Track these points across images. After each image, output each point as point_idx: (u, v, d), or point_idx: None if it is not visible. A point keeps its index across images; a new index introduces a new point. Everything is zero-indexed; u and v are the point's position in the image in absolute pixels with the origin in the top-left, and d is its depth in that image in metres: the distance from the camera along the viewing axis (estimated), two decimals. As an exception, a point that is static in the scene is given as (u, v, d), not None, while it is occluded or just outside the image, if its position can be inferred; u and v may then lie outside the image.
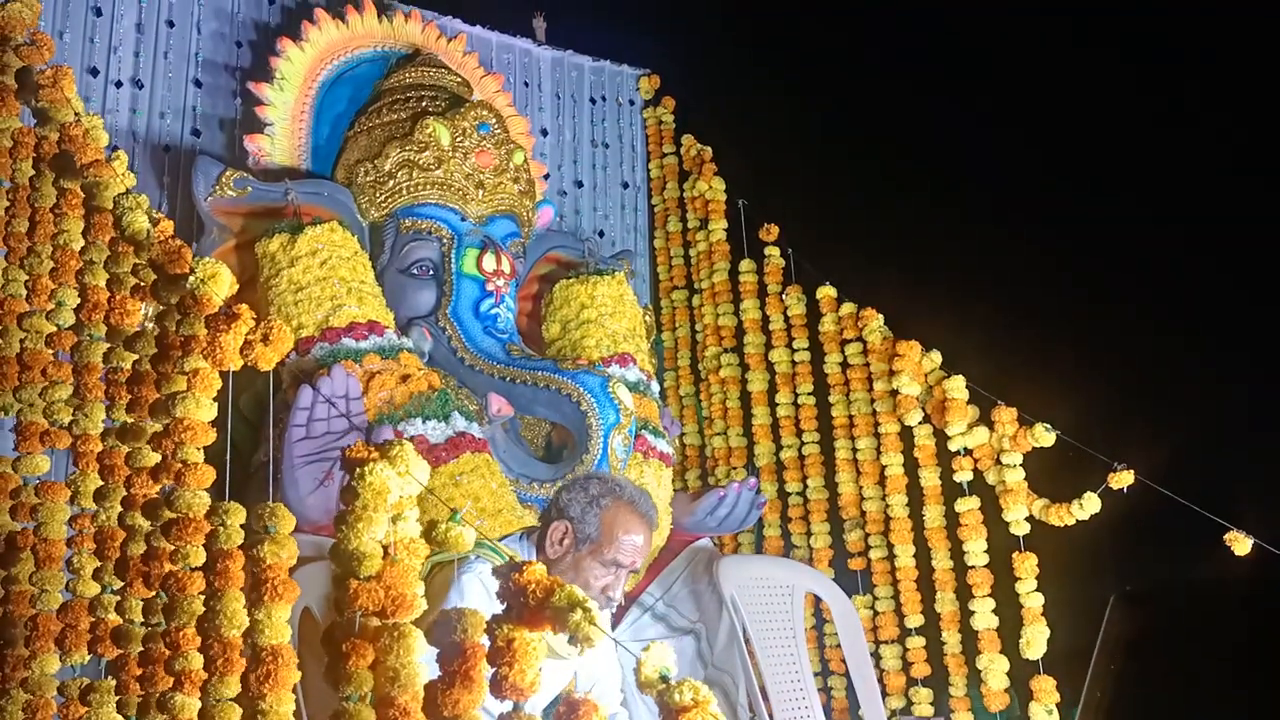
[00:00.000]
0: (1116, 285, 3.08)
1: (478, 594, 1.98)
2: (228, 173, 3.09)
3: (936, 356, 3.33)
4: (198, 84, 3.54)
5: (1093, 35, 3.30)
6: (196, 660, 1.65)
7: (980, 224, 3.42)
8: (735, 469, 3.99)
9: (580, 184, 4.52)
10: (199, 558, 1.71)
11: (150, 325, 1.92)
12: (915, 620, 3.37)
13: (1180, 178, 3.00)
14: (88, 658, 1.97)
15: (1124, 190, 3.14)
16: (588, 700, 1.11)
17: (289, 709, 1.41)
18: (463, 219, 3.29)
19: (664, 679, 1.06)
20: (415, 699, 1.26)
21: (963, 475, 3.18)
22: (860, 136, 3.92)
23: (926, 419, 3.34)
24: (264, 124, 3.43)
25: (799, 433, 3.82)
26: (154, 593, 1.77)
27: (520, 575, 1.17)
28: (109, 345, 2.03)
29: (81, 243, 2.17)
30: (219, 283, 1.81)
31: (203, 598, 1.68)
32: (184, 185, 3.31)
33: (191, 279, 1.81)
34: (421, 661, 1.30)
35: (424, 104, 3.43)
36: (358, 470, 1.35)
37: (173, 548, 1.72)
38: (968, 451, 3.18)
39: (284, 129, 3.45)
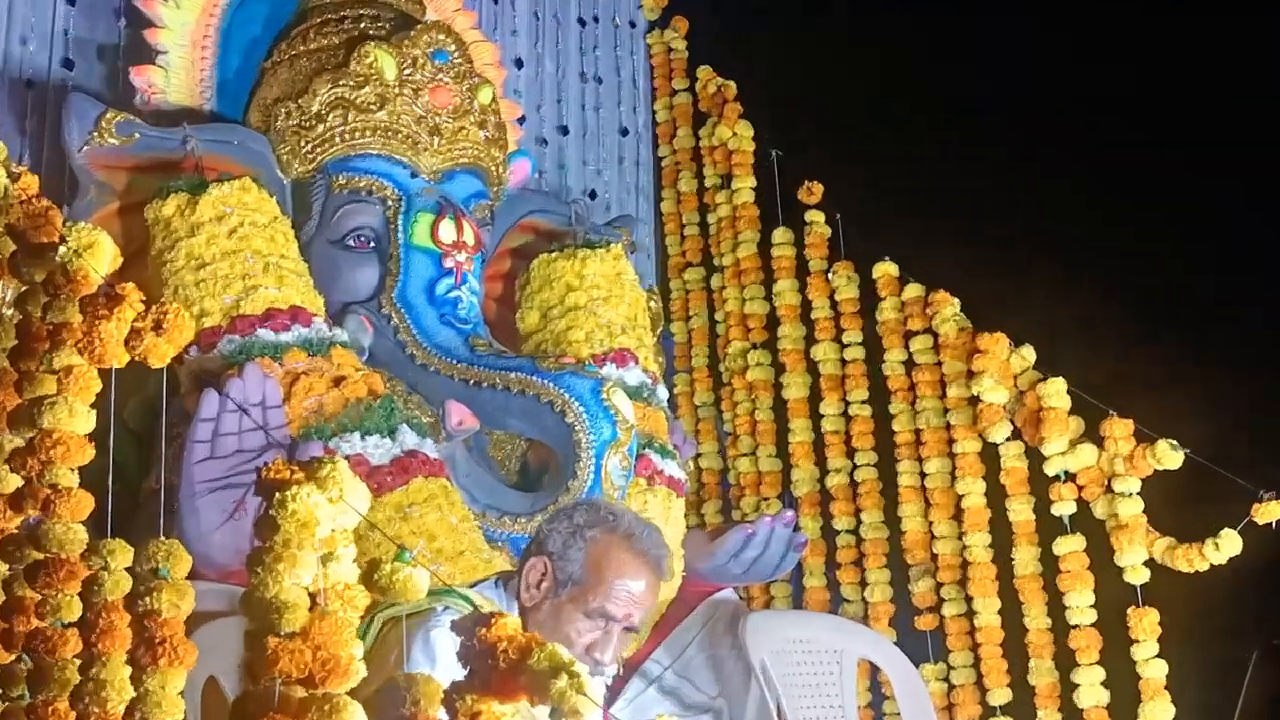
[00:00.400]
0: (1261, 267, 3.07)
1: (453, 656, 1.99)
2: (109, 115, 3.10)
3: (1029, 353, 3.33)
4: (70, 1, 3.54)
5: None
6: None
7: (1085, 189, 3.43)
8: (767, 500, 4.01)
9: (566, 130, 4.53)
10: (73, 611, 1.71)
11: (8, 310, 1.93)
12: (1001, 695, 3.38)
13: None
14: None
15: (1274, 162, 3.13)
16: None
17: None
18: (413, 175, 3.30)
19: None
20: (352, 790, 1.26)
21: (1063, 507, 3.19)
22: (928, 70, 3.91)
23: (1016, 434, 3.35)
24: (155, 52, 3.43)
25: (850, 453, 3.84)
26: (13, 657, 1.77)
27: (488, 630, 1.17)
28: (-44, 337, 2.04)
29: (-80, 205, 2.18)
30: (97, 255, 1.83)
31: (78, 663, 1.69)
32: (52, 130, 3.31)
33: (62, 250, 1.82)
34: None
35: (363, 26, 3.44)
36: (277, 496, 1.36)
37: (39, 598, 1.73)
38: (1070, 476, 3.19)
39: (181, 59, 3.46)
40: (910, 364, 3.68)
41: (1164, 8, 3.40)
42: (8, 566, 1.82)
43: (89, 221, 3.09)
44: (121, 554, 1.70)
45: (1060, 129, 3.51)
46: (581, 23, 4.64)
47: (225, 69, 3.52)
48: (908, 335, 3.68)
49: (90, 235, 1.83)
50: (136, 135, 3.12)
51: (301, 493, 1.37)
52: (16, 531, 1.82)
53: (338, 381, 2.86)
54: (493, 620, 1.18)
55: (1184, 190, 3.23)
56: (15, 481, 1.84)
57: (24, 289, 1.88)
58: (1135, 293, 3.22)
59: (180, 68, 3.45)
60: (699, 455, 4.23)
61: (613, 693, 2.97)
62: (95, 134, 3.09)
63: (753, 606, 3.88)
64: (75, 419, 1.77)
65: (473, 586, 2.33)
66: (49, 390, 1.79)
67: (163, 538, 1.61)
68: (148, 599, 1.53)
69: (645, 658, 3.10)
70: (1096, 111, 3.44)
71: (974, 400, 3.40)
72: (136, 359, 1.67)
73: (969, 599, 3.46)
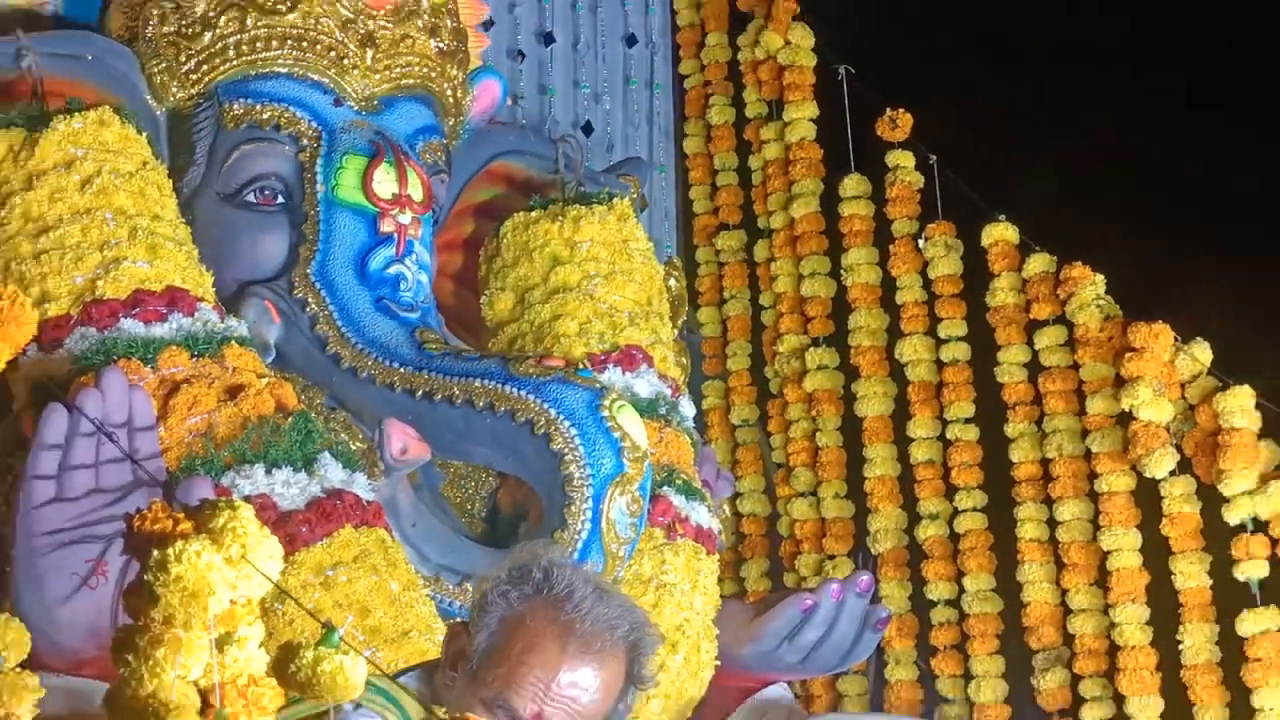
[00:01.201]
0: None
1: None
2: (-83, 20, 3.13)
3: (1204, 352, 3.35)
4: None
5: None
6: None
7: (1267, 133, 3.44)
8: (833, 558, 4.02)
9: (551, 38, 4.55)
10: None
11: None
12: (1166, 836, 3.40)
13: None
14: None
15: None
16: None
17: None
18: (336, 103, 3.33)
19: None
20: None
21: (1252, 569, 3.21)
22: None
23: (1185, 466, 3.36)
24: (-16, -65, 3.47)
25: (950, 492, 3.86)
26: None
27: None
28: None
29: None
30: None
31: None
32: None
33: None
34: None
35: (265, -104, 3.46)
36: (155, 556, 1.37)
37: None
38: (1260, 525, 3.20)
39: (16, -60, 3.49)
40: (1036, 366, 3.71)
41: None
42: None
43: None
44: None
45: (1223, 48, 3.52)
46: (571, -115, 4.67)
47: (77, -44, 3.56)
48: (1031, 326, 3.71)
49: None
50: (-50, 46, 3.16)
51: (189, 550, 1.39)
52: None
53: (233, 392, 2.86)
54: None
55: None
56: None
57: None
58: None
59: (15, -47, 3.49)
60: (738, 496, 4.25)
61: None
62: (-100, 44, 3.13)
63: (813, 709, 3.89)
64: None
65: (405, 674, 2.35)
66: None
67: (-6, 613, 1.63)
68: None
69: (663, 776, 3.12)
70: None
71: (1125, 418, 3.41)
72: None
73: (1119, 698, 3.48)
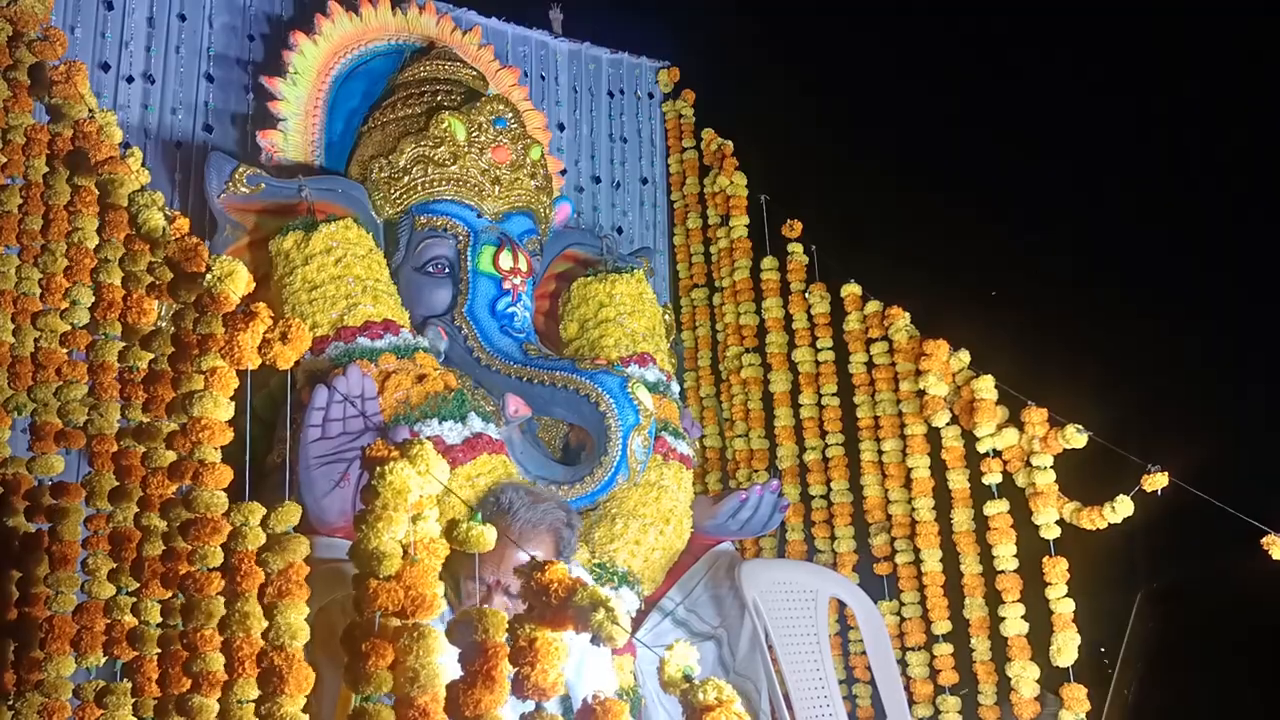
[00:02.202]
0: (1151, 283, 3.09)
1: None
2: (241, 169, 3.13)
3: (965, 356, 3.33)
4: (209, 79, 3.58)
5: (1126, 34, 3.32)
6: (215, 662, 1.68)
7: (1009, 221, 3.44)
8: (757, 472, 4.01)
9: (598, 179, 4.55)
10: (217, 558, 1.74)
11: (165, 324, 1.96)
12: (943, 627, 3.38)
13: (1214, 177, 3.01)
14: (103, 660, 2.01)
15: (1157, 188, 3.15)
16: (610, 703, 1.13)
17: (297, 711, 1.44)
18: (479, 216, 3.32)
19: (687, 678, 1.08)
20: (435, 700, 1.28)
21: (992, 478, 3.19)
22: (884, 132, 3.94)
23: (954, 420, 3.35)
24: (277, 119, 3.47)
25: (823, 434, 3.84)
26: (171, 594, 1.80)
27: (542, 575, 1.19)
28: (124, 344, 2.07)
29: (96, 240, 2.22)
30: (235, 281, 1.85)
31: (221, 599, 1.72)
32: (196, 182, 3.35)
33: (208, 277, 1.84)
34: (442, 662, 1.33)
35: (439, 98, 3.46)
36: (378, 470, 1.38)
37: (190, 548, 1.76)
38: (997, 454, 3.19)
39: (297, 124, 3.49)
40: (870, 365, 3.67)
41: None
42: (166, 524, 1.85)
43: (226, 254, 3.19)
44: (255, 513, 1.73)
45: (987, 172, 3.52)
46: (610, 95, 4.65)
47: (331, 132, 3.55)
48: (869, 342, 3.68)
49: (230, 265, 1.86)
50: (262, 185, 3.15)
51: (397, 467, 1.40)
52: (173, 497, 1.85)
53: (420, 378, 2.88)
54: (546, 567, 1.20)
55: (1099, 212, 3.25)
56: (171, 457, 1.87)
57: (178, 308, 1.91)
58: (1053, 306, 3.23)
59: (296, 131, 3.48)
60: (704, 436, 4.24)
61: (635, 623, 2.98)
62: (230, 184, 3.12)
63: (746, 556, 3.89)
64: (218, 409, 1.81)
65: None
66: (198, 386, 1.82)
67: (280, 501, 1.64)
68: (268, 551, 1.55)
69: (661, 596, 3.11)
70: (1015, 151, 3.45)
71: (921, 393, 3.40)
72: (267, 362, 1.70)
73: (916, 550, 3.47)
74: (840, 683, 3.51)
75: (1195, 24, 3.14)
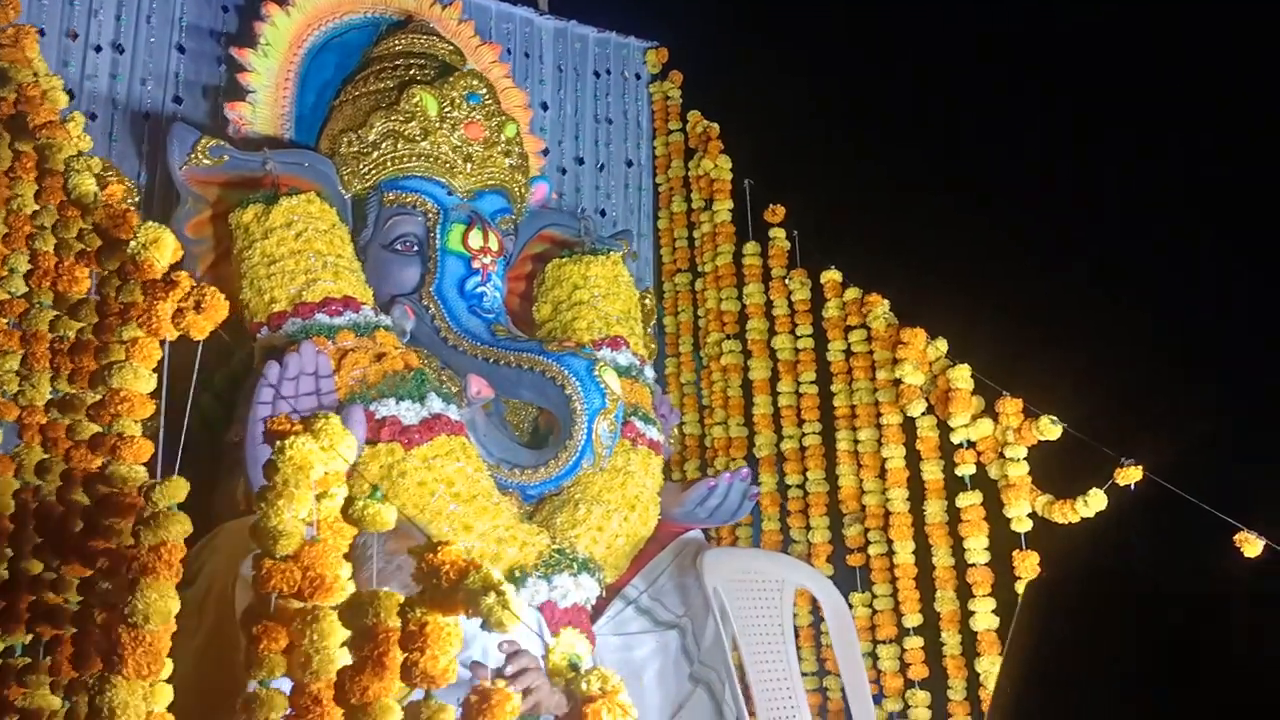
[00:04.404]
0: (1129, 276, 3.01)
1: None
2: (203, 140, 3.06)
3: (942, 345, 3.26)
4: (181, 49, 3.51)
5: (1113, 20, 3.23)
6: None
7: (991, 211, 3.36)
8: (735, 460, 3.94)
9: (581, 161, 4.47)
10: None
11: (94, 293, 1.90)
12: (914, 619, 3.31)
13: (1197, 165, 2.93)
14: (28, 638, 1.95)
15: (1140, 178, 3.07)
16: (500, 691, 1.07)
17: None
18: (449, 193, 3.24)
19: (574, 667, 1.01)
20: (329, 686, 1.22)
21: (965, 469, 3.12)
22: (871, 118, 3.86)
23: (930, 410, 3.28)
24: (246, 91, 3.40)
25: (800, 423, 3.76)
26: (90, 572, 1.74)
27: (434, 556, 1.13)
28: (56, 314, 2.01)
29: (35, 208, 2.15)
30: (161, 248, 1.77)
31: (132, 579, 1.65)
32: (164, 154, 3.28)
33: (132, 244, 1.77)
34: (339, 647, 1.27)
35: (412, 72, 3.38)
36: (278, 444, 1.31)
37: (108, 525, 1.70)
38: (971, 444, 3.12)
39: (267, 96, 3.42)
40: (849, 352, 3.60)
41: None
42: (88, 500, 1.79)
43: (188, 227, 3.13)
44: (173, 490, 1.67)
45: (972, 160, 3.44)
46: (596, 75, 4.57)
47: (302, 105, 3.47)
48: (847, 329, 3.60)
49: (155, 232, 1.77)
50: (225, 157, 3.08)
51: (299, 442, 1.33)
52: (95, 470, 1.79)
53: (379, 357, 2.80)
54: (438, 546, 1.14)
55: (1080, 202, 3.18)
56: (94, 429, 1.81)
57: (103, 275, 1.85)
58: (1032, 297, 3.15)
59: (265, 103, 3.41)
60: (683, 424, 4.17)
61: (597, 611, 2.92)
62: (192, 155, 3.05)
63: (722, 544, 3.83)
64: (138, 380, 1.74)
65: None
66: (118, 357, 1.75)
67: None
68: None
69: (625, 584, 3.04)
70: (1000, 140, 3.37)
71: (897, 382, 3.33)
72: (181, 331, 1.63)
73: (889, 541, 3.39)
74: (811, 675, 3.46)
75: (1189, 10, 3.06)
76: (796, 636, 3.29)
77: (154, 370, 1.78)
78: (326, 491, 1.38)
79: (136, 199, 3.09)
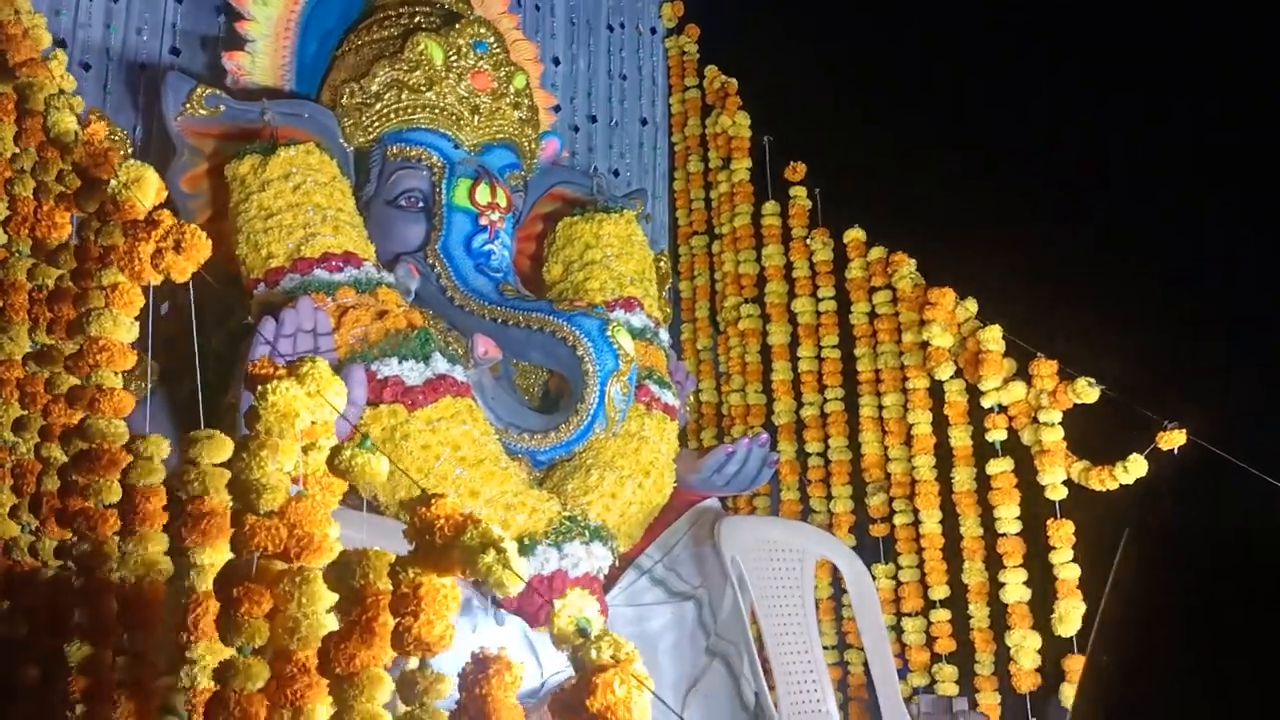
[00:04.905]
0: (1167, 231, 2.87)
1: None
2: (199, 90, 2.93)
3: (972, 305, 3.14)
4: (178, -1, 3.39)
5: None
6: (106, 607, 1.51)
7: (1020, 165, 3.23)
8: (753, 428, 3.83)
9: (594, 119, 4.33)
10: (114, 494, 1.57)
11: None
12: (941, 592, 3.20)
13: (1240, 119, 2.78)
14: (5, 604, 1.85)
15: (1178, 127, 2.92)
16: (500, 655, 0.95)
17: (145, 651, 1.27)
18: (456, 146, 3.11)
19: (582, 632, 0.90)
20: (316, 655, 1.11)
21: (996, 435, 3.00)
22: (895, 70, 3.71)
23: (959, 373, 3.15)
24: (245, 40, 3.27)
25: (821, 389, 3.65)
26: (68, 534, 1.64)
27: (428, 510, 1.01)
28: (35, 261, 1.89)
29: (15, 151, 2.04)
30: (143, 187, 1.66)
31: (116, 539, 1.55)
32: (160, 106, 3.16)
33: (113, 184, 1.66)
34: (326, 612, 1.16)
35: (417, 20, 3.25)
36: (259, 389, 1.20)
37: (86, 482, 1.59)
38: (1002, 409, 3.00)
39: (266, 46, 3.28)
40: (873, 315, 3.47)
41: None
42: (65, 456, 1.69)
43: (183, 179, 3.01)
44: (155, 447, 1.56)
45: (998, 113, 3.30)
46: (610, 28, 4.43)
47: (303, 55, 3.33)
48: (871, 291, 3.48)
49: (137, 171, 1.66)
50: (222, 107, 2.94)
51: (282, 387, 1.22)
52: (73, 426, 1.68)
53: (381, 315, 2.68)
54: (432, 500, 1.02)
55: (1113, 154, 3.03)
56: (73, 382, 1.70)
57: (83, 217, 1.73)
58: (1062, 253, 3.01)
59: (265, 53, 3.27)
60: (699, 390, 4.06)
61: (610, 581, 2.81)
62: (187, 105, 2.92)
63: (741, 513, 3.72)
64: (119, 328, 1.63)
65: None
66: (98, 304, 1.64)
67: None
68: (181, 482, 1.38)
69: (639, 553, 2.93)
70: (1028, 92, 3.23)
71: (924, 345, 3.20)
72: (161, 273, 1.51)
73: (915, 511, 3.28)
74: (831, 648, 3.35)
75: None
76: (816, 609, 3.17)
77: (136, 318, 1.67)
78: (315, 443, 1.27)
79: (130, 150, 2.97)
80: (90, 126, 1.88)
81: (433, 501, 1.02)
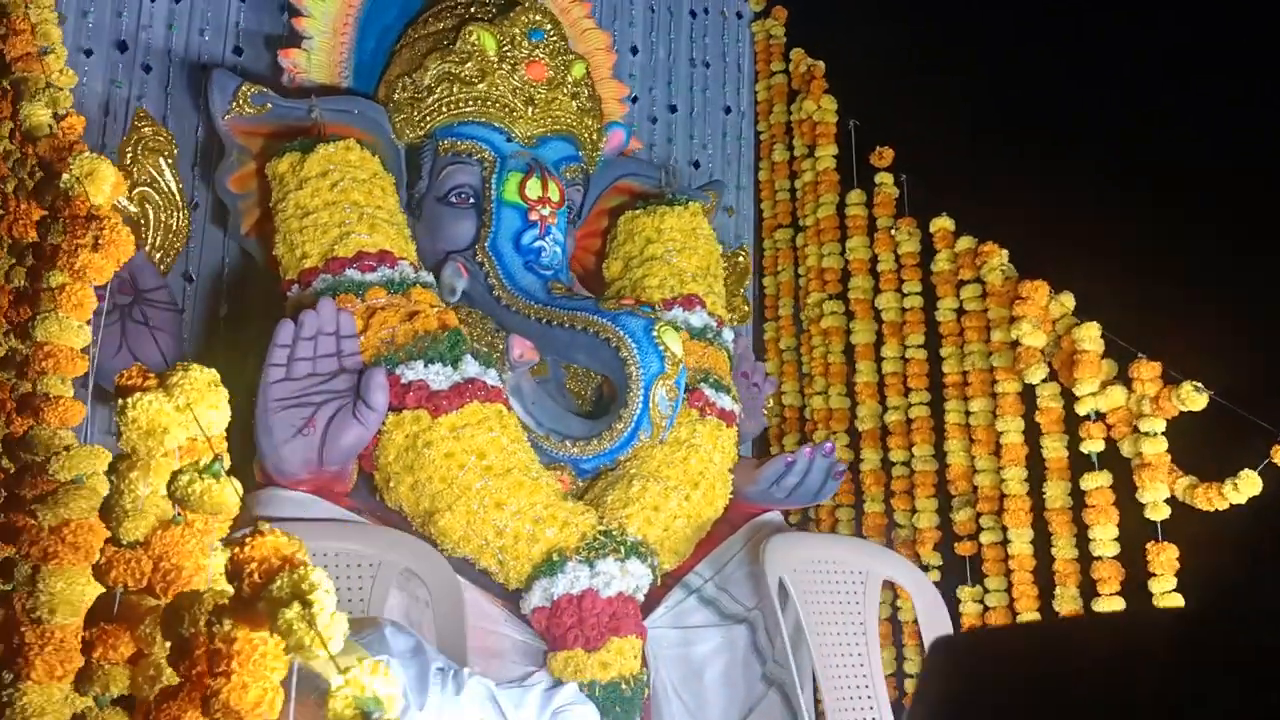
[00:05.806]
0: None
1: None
2: (245, 88, 2.86)
3: (1068, 300, 2.82)
4: (240, -2, 3.35)
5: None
6: (31, 633, 1.40)
7: (1121, 149, 2.89)
8: (836, 433, 3.58)
9: (674, 109, 4.14)
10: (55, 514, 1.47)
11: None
12: (1030, 618, 2.88)
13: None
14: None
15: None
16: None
17: (46, 701, 1.14)
18: (509, 140, 2.97)
19: (366, 715, 0.70)
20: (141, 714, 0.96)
21: (1092, 445, 2.69)
22: (986, 52, 3.40)
23: (1053, 376, 2.84)
24: (303, 38, 3.20)
25: (906, 392, 3.37)
26: (10, 551, 1.54)
27: (241, 549, 0.84)
28: (12, 261, 1.82)
29: (9, 147, 1.98)
30: (97, 181, 1.56)
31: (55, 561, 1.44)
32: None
33: (65, 178, 1.56)
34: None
35: (472, 10, 3.12)
36: (119, 403, 1.05)
37: (29, 496, 1.49)
38: (1100, 416, 2.68)
39: (324, 43, 3.20)
40: (960, 311, 3.18)
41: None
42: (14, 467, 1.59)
43: (231, 180, 2.96)
44: (91, 459, 1.44)
45: (1097, 98, 2.96)
46: (693, 14, 4.23)
47: (362, 52, 3.24)
48: (959, 284, 3.19)
49: (91, 164, 1.56)
50: (269, 105, 2.87)
51: (145, 400, 1.07)
52: (22, 436, 1.59)
53: (411, 315, 2.55)
54: (251, 537, 0.85)
55: (1223, 134, 2.66)
56: (25, 387, 1.61)
57: (41, 215, 1.65)
58: (1166, 245, 2.66)
59: (322, 50, 3.19)
60: (782, 393, 3.83)
61: (655, 600, 2.62)
62: (234, 104, 2.86)
63: (820, 529, 3.48)
64: (65, 333, 1.53)
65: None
66: (48, 306, 1.54)
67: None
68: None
69: (688, 571, 2.72)
70: (1126, 77, 2.89)
71: (1015, 344, 2.90)
72: (78, 275, 1.39)
73: (1004, 529, 2.97)
74: (890, 675, 3.07)
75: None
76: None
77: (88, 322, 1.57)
78: (197, 463, 1.11)
79: (174, 150, 2.93)
80: (67, 120, 1.79)
81: (254, 536, 0.85)
